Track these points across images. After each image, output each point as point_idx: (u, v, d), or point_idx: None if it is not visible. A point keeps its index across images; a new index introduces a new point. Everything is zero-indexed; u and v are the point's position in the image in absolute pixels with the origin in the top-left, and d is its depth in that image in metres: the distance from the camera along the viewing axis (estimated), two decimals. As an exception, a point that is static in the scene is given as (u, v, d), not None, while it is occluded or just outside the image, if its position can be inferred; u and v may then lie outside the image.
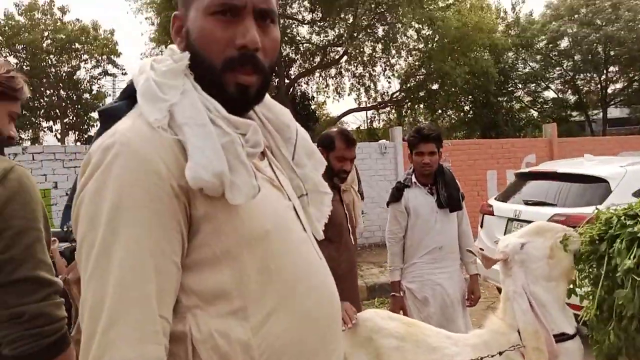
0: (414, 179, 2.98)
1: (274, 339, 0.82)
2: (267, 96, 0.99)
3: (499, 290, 5.09)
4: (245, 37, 0.82)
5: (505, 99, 19.57)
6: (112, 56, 19.84)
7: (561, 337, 1.73)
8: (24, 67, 18.22)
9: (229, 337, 0.79)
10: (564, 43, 19.72)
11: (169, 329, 0.76)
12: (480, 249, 5.00)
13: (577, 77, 20.50)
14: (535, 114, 21.38)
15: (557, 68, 20.56)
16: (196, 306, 0.79)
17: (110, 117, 0.84)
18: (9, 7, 23.98)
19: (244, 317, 0.81)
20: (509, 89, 19.73)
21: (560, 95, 21.46)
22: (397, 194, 2.99)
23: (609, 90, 20.70)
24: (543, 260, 1.80)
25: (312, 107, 18.62)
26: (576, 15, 18.96)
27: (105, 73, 20.37)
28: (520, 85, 20.31)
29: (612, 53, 18.99)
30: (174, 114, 0.80)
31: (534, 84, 20.59)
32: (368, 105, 18.42)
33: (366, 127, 20.47)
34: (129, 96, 0.87)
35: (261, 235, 0.83)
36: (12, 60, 18.35)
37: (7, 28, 17.90)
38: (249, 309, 0.81)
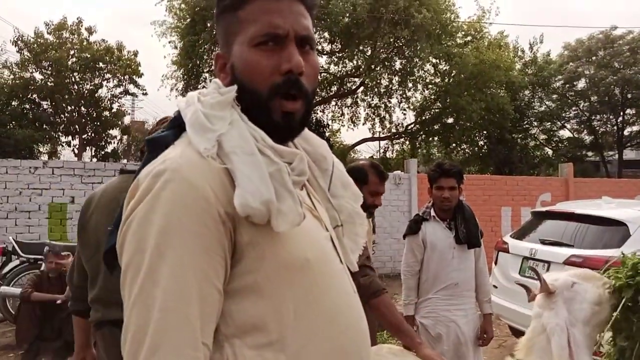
0: (432, 213, 2.96)
1: None
2: (306, 129, 1.01)
3: (511, 329, 5.04)
4: (291, 61, 0.85)
5: (520, 136, 19.55)
6: (134, 76, 20.28)
7: None
8: (49, 83, 18.68)
9: None
10: (581, 84, 19.78)
11: (209, 355, 0.76)
12: (495, 286, 4.96)
13: (593, 117, 20.48)
14: (550, 152, 21.30)
15: (574, 108, 20.57)
16: (234, 335, 0.80)
17: (158, 146, 0.87)
18: (40, 26, 24.66)
19: (280, 348, 0.80)
20: (525, 126, 19.72)
21: (576, 135, 21.40)
22: (414, 227, 2.97)
23: (625, 132, 20.61)
24: (589, 305, 1.81)
25: (327, 134, 18.76)
26: (594, 57, 19.06)
27: (126, 92, 20.79)
28: (535, 123, 20.29)
29: (629, 96, 19.00)
30: (222, 143, 0.82)
31: (550, 123, 20.58)
32: (382, 135, 18.52)
33: (379, 157, 20.52)
34: (176, 126, 0.90)
35: (302, 263, 0.84)
36: (38, 76, 18.86)
37: (35, 45, 18.44)
38: (285, 341, 0.81)
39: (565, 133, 21.57)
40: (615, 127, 20.46)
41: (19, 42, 18.54)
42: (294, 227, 0.81)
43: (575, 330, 1.78)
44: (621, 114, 19.94)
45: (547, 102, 20.29)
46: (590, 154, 21.63)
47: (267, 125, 0.86)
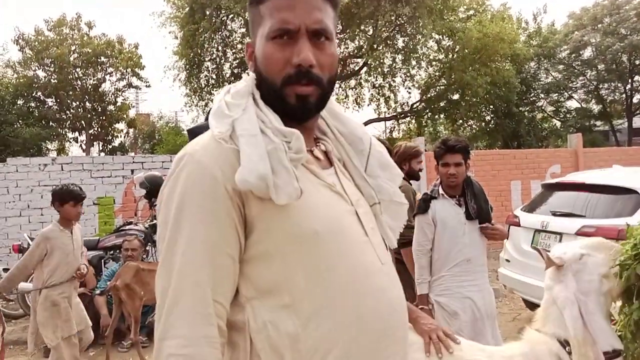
0: (441, 191, 2.95)
1: (321, 336, 0.88)
2: (342, 112, 1.11)
3: (525, 302, 5.05)
4: (300, 56, 0.92)
5: (527, 108, 19.35)
6: (136, 69, 20.26)
7: (612, 355, 1.71)
8: (52, 80, 18.73)
9: (279, 329, 0.88)
10: (587, 53, 19.48)
11: (224, 312, 0.88)
12: (507, 260, 4.93)
13: (600, 86, 20.20)
14: (558, 123, 21.09)
15: (580, 78, 20.29)
16: (253, 297, 0.90)
17: (195, 135, 0.99)
18: (39, 24, 24.64)
19: (293, 311, 0.88)
20: (531, 99, 19.51)
21: (584, 105, 21.14)
22: (424, 206, 2.96)
23: (634, 100, 20.32)
24: (598, 276, 1.80)
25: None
26: (599, 25, 18.73)
27: (130, 85, 20.80)
28: (542, 95, 20.07)
29: (637, 62, 18.68)
30: (235, 127, 0.91)
31: (557, 94, 20.34)
32: (388, 115, 18.40)
33: (386, 137, 20.44)
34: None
35: (309, 235, 0.90)
36: (41, 73, 18.91)
37: (36, 43, 18.45)
38: (297, 305, 0.88)
39: (572, 104, 21.35)
40: (623, 95, 20.18)
41: (20, 40, 18.56)
42: (293, 200, 0.87)
43: (588, 299, 1.78)
44: (629, 81, 19.64)
45: (553, 73, 20.02)
46: (598, 123, 21.38)
47: (283, 109, 0.94)
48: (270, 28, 0.94)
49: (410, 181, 3.87)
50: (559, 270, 1.86)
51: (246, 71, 1.07)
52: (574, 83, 20.50)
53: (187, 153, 0.91)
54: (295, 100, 0.94)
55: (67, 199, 3.67)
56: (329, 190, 0.98)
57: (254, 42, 1.00)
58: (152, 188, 5.56)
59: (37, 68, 18.90)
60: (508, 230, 5.03)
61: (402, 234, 1.15)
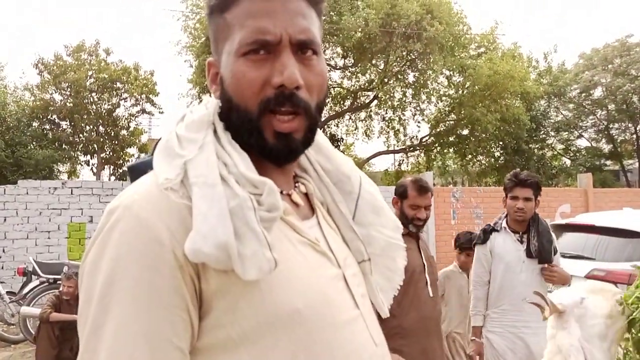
0: (504, 224, 2.90)
1: None
2: (328, 144, 0.88)
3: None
4: (284, 73, 0.70)
5: (537, 146, 19.33)
6: (150, 95, 20.63)
7: None
8: (68, 103, 19.10)
9: None
10: (598, 92, 19.56)
11: None
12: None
13: (611, 126, 20.18)
14: (568, 162, 21.01)
15: (591, 117, 20.31)
16: None
17: (139, 174, 0.77)
18: (59, 49, 25.35)
19: None
20: (541, 137, 19.51)
21: (594, 144, 21.10)
22: (483, 236, 2.92)
23: (645, 141, 20.26)
24: (601, 318, 1.77)
25: (341, 148, 18.79)
26: (610, 66, 18.85)
27: (143, 111, 21.14)
28: (552, 133, 20.08)
29: (647, 103, 18.70)
30: (188, 171, 0.69)
31: (567, 132, 20.34)
32: (397, 148, 18.47)
33: (394, 170, 20.45)
34: None
35: (288, 315, 0.68)
36: (57, 97, 19.30)
37: (55, 68, 18.92)
38: None
39: (582, 142, 21.30)
40: (634, 135, 20.12)
41: (39, 65, 19.03)
42: (265, 275, 0.65)
43: (592, 347, 1.74)
44: (640, 121, 19.64)
45: (563, 112, 20.06)
46: (609, 163, 21.27)
47: (259, 148, 0.73)
48: (242, 41, 0.71)
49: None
50: (561, 317, 1.83)
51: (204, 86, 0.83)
52: (584, 122, 20.52)
53: (122, 204, 0.67)
54: (275, 140, 0.72)
55: None
56: (312, 250, 0.76)
57: (218, 60, 0.77)
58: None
59: (54, 91, 19.30)
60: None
61: None
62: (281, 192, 0.76)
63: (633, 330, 1.77)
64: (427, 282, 2.49)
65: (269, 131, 0.72)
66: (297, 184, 0.84)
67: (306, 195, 0.84)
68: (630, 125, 19.89)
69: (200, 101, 0.78)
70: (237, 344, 0.66)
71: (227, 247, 0.63)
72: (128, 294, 0.63)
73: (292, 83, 0.70)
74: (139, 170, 0.79)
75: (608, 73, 18.83)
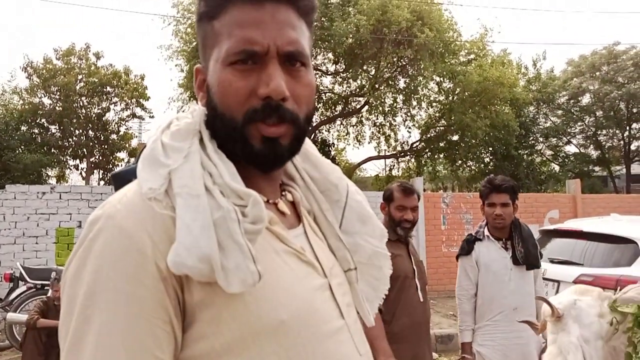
0: (486, 232, 2.79)
1: None
2: (315, 152, 0.88)
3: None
4: (270, 85, 0.70)
5: (526, 152, 19.51)
6: (141, 100, 20.53)
7: None
8: (57, 107, 18.94)
9: None
10: (586, 99, 19.81)
11: None
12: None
13: (599, 132, 20.44)
14: (557, 168, 21.23)
15: (579, 123, 20.56)
16: None
17: (123, 182, 0.76)
18: (49, 52, 25.15)
19: None
20: (530, 143, 19.71)
21: (582, 150, 21.34)
22: (467, 247, 2.80)
23: (632, 147, 20.54)
24: (595, 317, 1.82)
25: (332, 153, 18.82)
26: (597, 73, 19.12)
27: (134, 115, 21.03)
28: (541, 139, 20.28)
29: (634, 110, 18.96)
30: (172, 181, 0.68)
31: (556, 138, 20.55)
32: (388, 153, 18.56)
33: (385, 175, 20.53)
34: None
35: (273, 327, 0.68)
36: (46, 101, 19.14)
37: (44, 71, 18.76)
38: None
39: (571, 148, 21.54)
40: (622, 142, 20.39)
41: (28, 68, 18.87)
42: (249, 287, 0.65)
43: (591, 346, 1.77)
44: (627, 128, 19.90)
45: (552, 118, 20.28)
46: (597, 169, 21.52)
47: (245, 154, 0.73)
48: (230, 50, 0.71)
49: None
50: (560, 321, 1.87)
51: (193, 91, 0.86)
52: (573, 128, 20.77)
53: (104, 214, 0.67)
54: (262, 145, 0.72)
55: None
56: (297, 260, 0.76)
57: (205, 67, 0.78)
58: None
59: (43, 95, 19.14)
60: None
61: None
62: (267, 201, 0.77)
63: None
64: (417, 288, 2.50)
65: (255, 137, 0.72)
66: (283, 192, 0.84)
67: (293, 204, 0.84)
68: (617, 131, 20.16)
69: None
70: (220, 355, 0.66)
71: (210, 260, 0.63)
72: (110, 306, 0.62)
73: (279, 95, 0.70)
74: (123, 179, 0.78)
75: (596, 80, 19.10)
